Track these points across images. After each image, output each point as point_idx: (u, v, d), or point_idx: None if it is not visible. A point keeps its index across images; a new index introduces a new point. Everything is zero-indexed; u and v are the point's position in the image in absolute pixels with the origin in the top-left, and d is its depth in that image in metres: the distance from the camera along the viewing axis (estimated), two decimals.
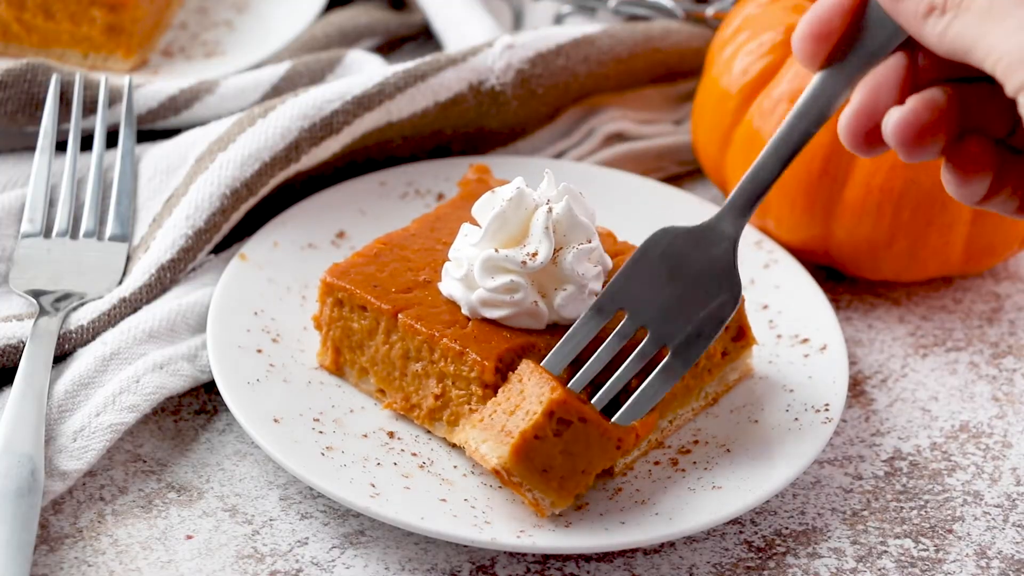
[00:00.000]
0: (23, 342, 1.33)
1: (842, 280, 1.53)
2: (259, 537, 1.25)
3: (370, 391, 1.34)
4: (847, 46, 1.12)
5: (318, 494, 1.28)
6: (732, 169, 1.51)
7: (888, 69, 1.09)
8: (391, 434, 1.31)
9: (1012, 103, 1.05)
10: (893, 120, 1.06)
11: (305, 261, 1.44)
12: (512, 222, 1.29)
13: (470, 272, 1.29)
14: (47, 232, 1.44)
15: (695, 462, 1.29)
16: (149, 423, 1.34)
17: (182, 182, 1.47)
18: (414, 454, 1.29)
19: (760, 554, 1.26)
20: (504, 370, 1.27)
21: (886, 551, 1.27)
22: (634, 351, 1.23)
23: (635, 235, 1.44)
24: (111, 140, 1.54)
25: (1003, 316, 1.50)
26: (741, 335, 1.35)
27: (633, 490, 1.27)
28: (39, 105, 1.52)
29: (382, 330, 1.32)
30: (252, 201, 1.46)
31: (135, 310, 1.38)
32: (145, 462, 1.31)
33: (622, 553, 1.25)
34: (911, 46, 1.10)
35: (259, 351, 1.35)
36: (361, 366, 1.34)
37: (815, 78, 1.13)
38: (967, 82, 1.08)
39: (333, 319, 1.34)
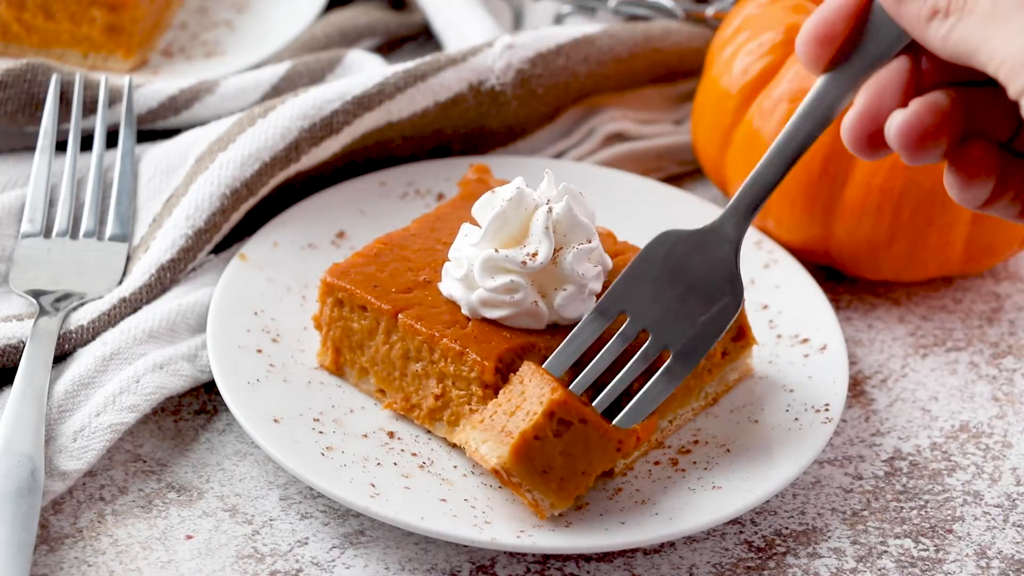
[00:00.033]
0: (23, 342, 1.33)
1: (842, 280, 1.53)
2: (259, 537, 1.25)
3: (370, 391, 1.34)
4: (851, 50, 1.12)
5: (318, 494, 1.28)
6: (732, 169, 1.51)
7: (891, 72, 1.09)
8: (391, 434, 1.31)
9: (1015, 107, 1.05)
10: (896, 123, 1.06)
11: (305, 261, 1.44)
12: (512, 222, 1.29)
13: (470, 272, 1.29)
14: (47, 232, 1.44)
15: (695, 462, 1.29)
16: (149, 423, 1.34)
17: (182, 182, 1.47)
18: (414, 454, 1.29)
19: (760, 554, 1.26)
20: (504, 370, 1.27)
21: (886, 551, 1.27)
22: (636, 354, 1.23)
23: (635, 235, 1.44)
24: (111, 140, 1.54)
25: (1003, 316, 1.50)
26: (741, 335, 1.35)
27: (633, 490, 1.27)
28: (39, 105, 1.52)
29: (382, 330, 1.32)
30: (252, 201, 1.46)
31: (135, 310, 1.38)
32: (145, 462, 1.31)
33: (622, 553, 1.25)
34: (915, 50, 1.10)
35: (259, 351, 1.35)
36: (361, 366, 1.34)
37: (818, 81, 1.14)
38: (971, 86, 1.08)
39: (333, 319, 1.34)
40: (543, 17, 1.80)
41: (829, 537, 1.28)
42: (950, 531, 1.29)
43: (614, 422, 1.22)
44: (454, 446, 1.30)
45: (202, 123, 1.56)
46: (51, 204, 1.47)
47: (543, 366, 1.24)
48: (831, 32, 1.11)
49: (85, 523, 1.25)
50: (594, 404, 1.23)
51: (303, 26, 1.71)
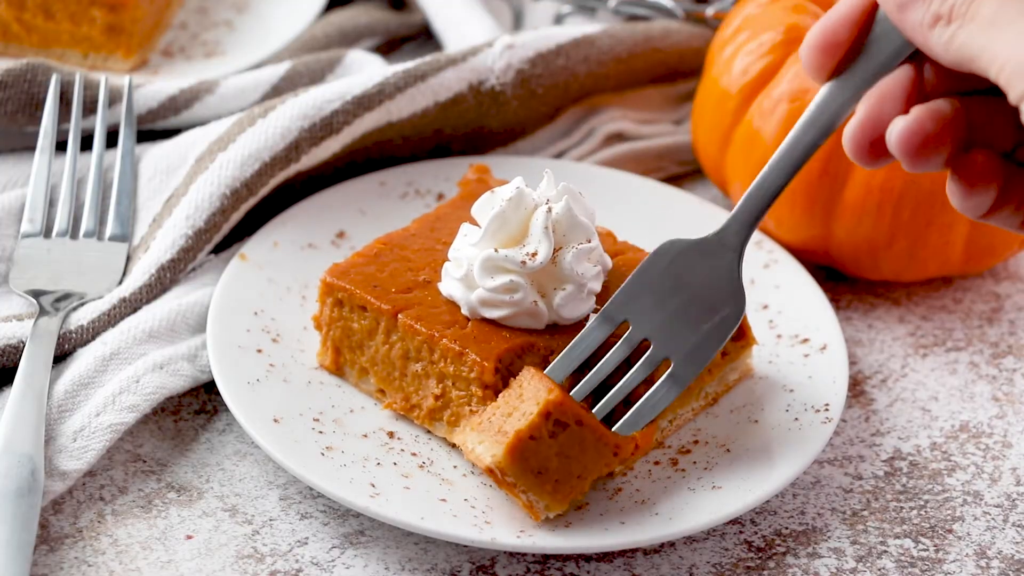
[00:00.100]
0: (23, 342, 1.33)
1: (842, 280, 1.53)
2: (259, 537, 1.25)
3: (370, 391, 1.34)
4: (854, 59, 1.12)
5: (318, 494, 1.28)
6: (732, 169, 1.51)
7: (894, 81, 1.10)
8: (391, 434, 1.31)
9: (1018, 117, 1.05)
10: (897, 129, 1.06)
11: (305, 261, 1.44)
12: (512, 222, 1.29)
13: (470, 272, 1.29)
14: (47, 232, 1.44)
15: (695, 462, 1.29)
16: (149, 423, 1.34)
17: (182, 182, 1.47)
18: (414, 454, 1.29)
19: (760, 554, 1.26)
20: (504, 370, 1.27)
21: (886, 551, 1.27)
22: (637, 362, 1.23)
23: (635, 235, 1.44)
24: (111, 140, 1.54)
25: (1003, 316, 1.50)
26: (741, 335, 1.35)
27: (633, 490, 1.27)
28: (39, 105, 1.52)
29: (382, 330, 1.32)
30: (252, 201, 1.46)
31: (135, 310, 1.38)
32: (145, 462, 1.31)
33: (622, 553, 1.25)
34: (918, 59, 1.10)
35: (259, 351, 1.35)
36: (361, 366, 1.34)
37: (822, 90, 1.14)
38: (974, 96, 1.08)
39: (333, 319, 1.34)
40: (543, 17, 1.80)
41: (829, 537, 1.28)
42: (950, 531, 1.29)
43: (613, 429, 1.22)
44: (454, 446, 1.30)
45: (202, 123, 1.56)
46: (51, 204, 1.47)
47: (544, 372, 1.24)
48: (835, 41, 1.12)
49: (85, 523, 1.25)
50: (593, 411, 1.23)
51: (303, 26, 1.71)
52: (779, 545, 1.27)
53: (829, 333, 1.39)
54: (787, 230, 1.48)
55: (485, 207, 1.31)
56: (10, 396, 1.27)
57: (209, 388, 1.37)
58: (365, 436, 1.30)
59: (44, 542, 1.23)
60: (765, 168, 1.18)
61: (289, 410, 1.30)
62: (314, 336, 1.38)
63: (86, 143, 1.53)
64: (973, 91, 1.09)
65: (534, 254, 1.28)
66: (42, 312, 1.35)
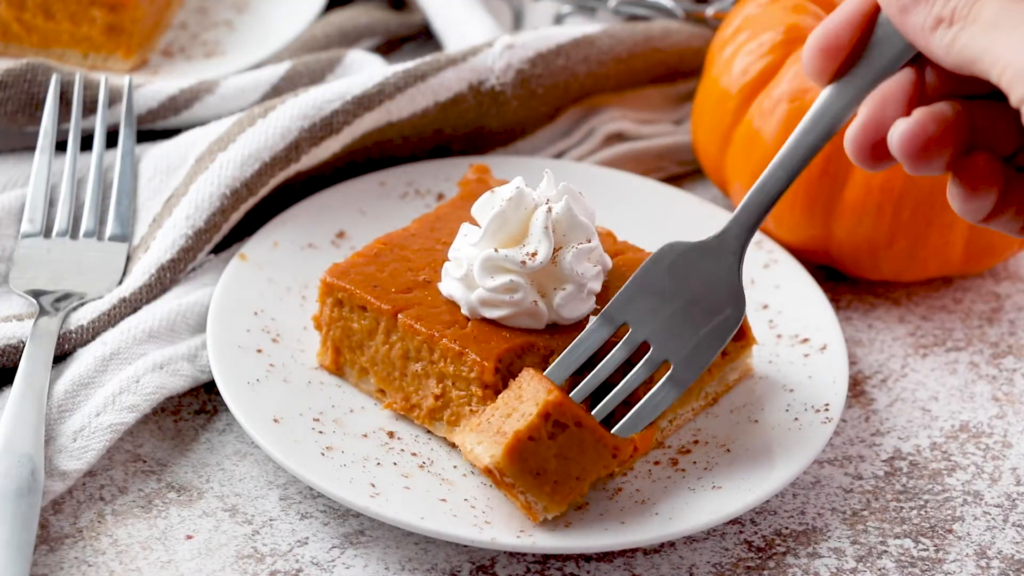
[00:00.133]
0: (23, 342, 1.33)
1: (842, 280, 1.53)
2: (259, 537, 1.25)
3: (370, 391, 1.34)
4: (855, 62, 1.12)
5: (318, 494, 1.28)
6: (732, 169, 1.51)
7: (895, 84, 1.10)
8: (391, 434, 1.31)
9: (1019, 122, 1.05)
10: (899, 131, 1.06)
11: (305, 261, 1.44)
12: (512, 222, 1.29)
13: (470, 272, 1.29)
14: (47, 232, 1.44)
15: (695, 462, 1.29)
16: (149, 423, 1.34)
17: (182, 182, 1.47)
18: (414, 454, 1.29)
19: (760, 554, 1.26)
20: (504, 370, 1.27)
21: (886, 551, 1.27)
22: (636, 365, 1.23)
23: (635, 235, 1.44)
24: (111, 140, 1.54)
25: (1003, 316, 1.50)
26: (741, 335, 1.35)
27: (633, 490, 1.27)
28: (39, 105, 1.52)
29: (382, 330, 1.32)
30: (252, 201, 1.46)
31: (135, 310, 1.38)
32: (145, 462, 1.31)
33: (622, 553, 1.25)
34: (919, 63, 1.10)
35: (259, 351, 1.35)
36: (361, 366, 1.34)
37: (823, 93, 1.14)
38: (975, 100, 1.08)
39: (333, 319, 1.34)
40: (543, 17, 1.80)
41: (829, 537, 1.28)
42: (950, 531, 1.29)
43: (612, 431, 1.22)
44: (454, 446, 1.30)
45: (202, 123, 1.56)
46: (51, 204, 1.47)
47: (544, 374, 1.24)
48: (836, 44, 1.12)
49: (85, 523, 1.25)
50: (593, 412, 1.23)
51: (303, 26, 1.71)
52: (779, 545, 1.27)
53: (829, 333, 1.39)
54: (787, 230, 1.48)
55: (485, 207, 1.31)
56: (10, 396, 1.27)
57: (209, 388, 1.37)
58: (365, 436, 1.30)
59: (44, 542, 1.23)
60: (766, 171, 1.18)
61: (289, 410, 1.30)
62: (314, 336, 1.38)
63: (86, 143, 1.53)
64: (975, 95, 1.09)
65: (534, 254, 1.28)
66: (42, 312, 1.35)
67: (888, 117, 1.09)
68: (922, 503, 1.31)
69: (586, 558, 1.25)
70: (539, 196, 1.31)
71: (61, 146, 1.52)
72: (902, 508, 1.31)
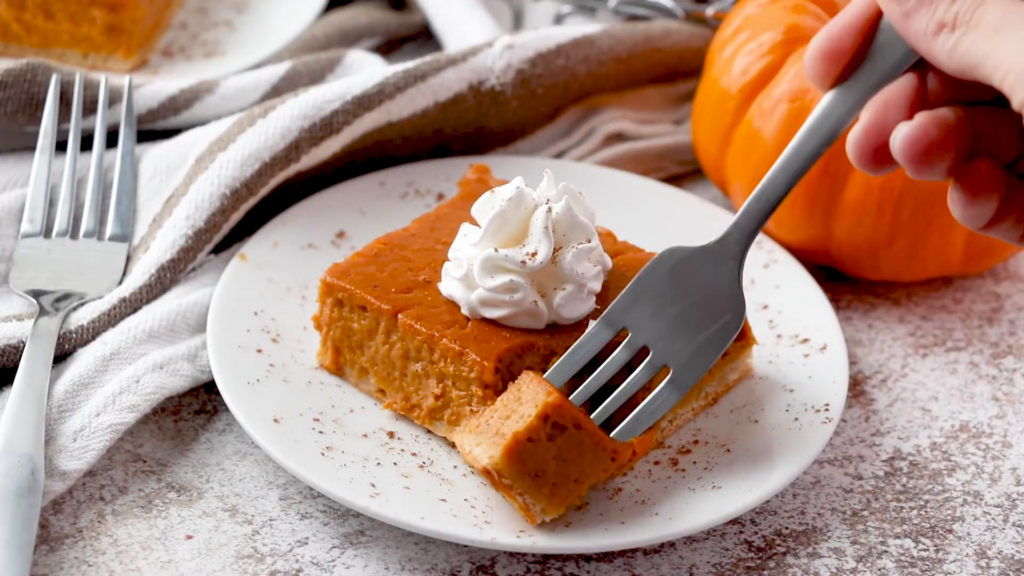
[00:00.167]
0: (23, 342, 1.33)
1: (842, 280, 1.53)
2: (259, 537, 1.25)
3: (370, 391, 1.34)
4: (858, 67, 1.12)
5: (318, 494, 1.28)
6: (732, 169, 1.51)
7: (898, 89, 1.10)
8: (391, 434, 1.31)
9: (1021, 129, 1.06)
10: (901, 135, 1.06)
11: (305, 261, 1.44)
12: (512, 222, 1.29)
13: (470, 272, 1.29)
14: (47, 232, 1.44)
15: (695, 462, 1.29)
16: (149, 423, 1.34)
17: (182, 182, 1.47)
18: (414, 454, 1.29)
19: (760, 554, 1.26)
20: (504, 370, 1.27)
21: (886, 551, 1.27)
22: (636, 369, 1.23)
23: (635, 235, 1.44)
24: (111, 140, 1.54)
25: (1003, 316, 1.50)
26: (741, 335, 1.35)
27: (633, 490, 1.27)
28: (39, 105, 1.52)
29: (382, 330, 1.32)
30: (252, 201, 1.46)
31: (135, 310, 1.38)
32: (145, 462, 1.31)
33: (622, 553, 1.25)
34: (921, 69, 1.10)
35: (259, 351, 1.35)
36: (361, 366, 1.34)
37: (825, 97, 1.14)
38: (978, 106, 1.08)
39: (333, 319, 1.34)
40: (543, 17, 1.80)
41: (829, 537, 1.28)
42: (950, 531, 1.29)
43: (611, 434, 1.22)
44: (454, 446, 1.30)
45: (202, 123, 1.56)
46: (51, 204, 1.47)
47: (544, 376, 1.24)
48: (839, 49, 1.12)
49: (85, 523, 1.25)
50: (592, 416, 1.23)
51: (303, 26, 1.71)
52: (779, 545, 1.27)
53: (829, 333, 1.39)
54: (787, 230, 1.48)
55: (485, 207, 1.31)
56: (10, 396, 1.27)
57: (209, 388, 1.37)
58: (365, 436, 1.30)
59: (44, 542, 1.23)
60: (767, 176, 1.18)
61: (289, 410, 1.30)
62: (314, 336, 1.38)
63: (86, 143, 1.53)
64: (977, 101, 1.09)
65: (534, 254, 1.28)
66: (42, 312, 1.35)
67: (890, 121, 1.09)
68: (922, 503, 1.31)
69: (586, 558, 1.25)
70: (539, 196, 1.31)
71: (61, 146, 1.52)
72: (902, 508, 1.31)
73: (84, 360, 1.33)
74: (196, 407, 1.36)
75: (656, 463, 1.29)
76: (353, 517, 1.27)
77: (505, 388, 1.26)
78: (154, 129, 1.57)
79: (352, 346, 1.34)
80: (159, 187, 1.48)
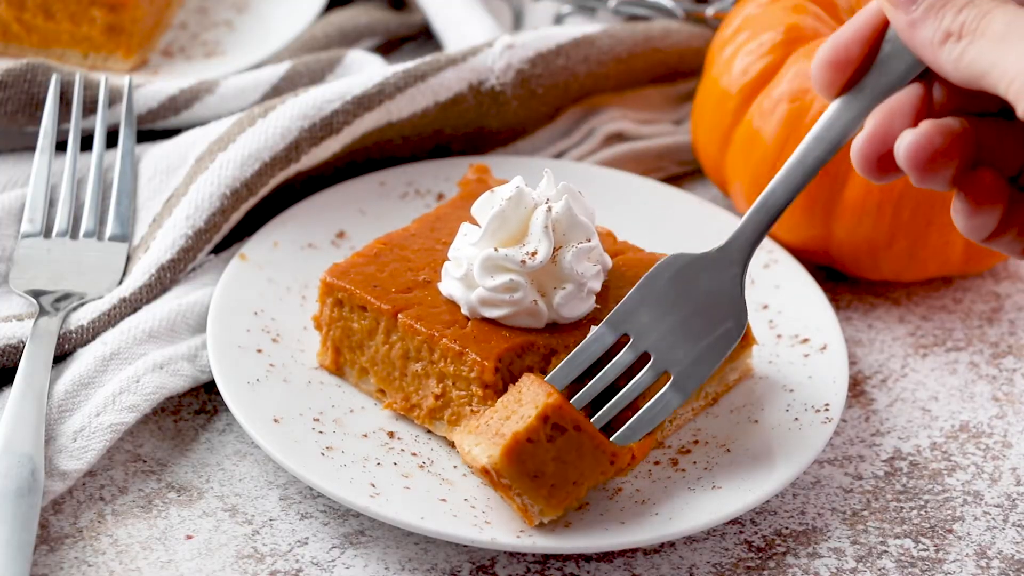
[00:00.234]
0: (23, 342, 1.33)
1: (842, 280, 1.53)
2: (259, 537, 1.25)
3: (370, 391, 1.34)
4: (864, 76, 1.12)
5: (318, 494, 1.28)
6: (732, 169, 1.51)
7: (904, 97, 1.10)
8: (391, 434, 1.31)
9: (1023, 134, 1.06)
10: (906, 142, 1.06)
11: (305, 261, 1.44)
12: (511, 221, 1.29)
13: (470, 271, 1.29)
14: (47, 232, 1.44)
15: (695, 462, 1.29)
16: (149, 423, 1.34)
17: (182, 182, 1.47)
18: (414, 454, 1.29)
19: (760, 554, 1.26)
20: (504, 370, 1.27)
21: (886, 551, 1.27)
22: (637, 374, 1.23)
23: (635, 235, 1.44)
24: (111, 140, 1.54)
25: (1003, 316, 1.50)
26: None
27: (633, 490, 1.27)
28: (39, 105, 1.52)
29: (382, 330, 1.32)
30: (252, 201, 1.46)
31: (135, 310, 1.38)
32: (145, 462, 1.31)
33: (622, 553, 1.25)
34: (927, 79, 1.11)
35: (259, 351, 1.35)
36: (361, 366, 1.34)
37: (831, 106, 1.14)
38: (983, 117, 1.08)
39: (333, 319, 1.34)
40: (543, 17, 1.80)
41: (829, 537, 1.28)
42: (950, 531, 1.29)
43: (611, 438, 1.22)
44: (454, 446, 1.30)
45: (202, 123, 1.56)
46: (51, 204, 1.47)
47: (546, 379, 1.24)
48: (845, 58, 1.12)
49: (85, 523, 1.25)
50: (592, 419, 1.23)
51: (303, 26, 1.71)
52: (779, 545, 1.27)
53: (829, 333, 1.39)
54: (787, 230, 1.48)
55: (485, 206, 1.31)
56: (10, 396, 1.27)
57: (209, 388, 1.37)
58: (365, 436, 1.30)
59: (44, 542, 1.23)
60: (771, 183, 1.19)
61: (289, 410, 1.30)
62: (314, 336, 1.38)
63: (86, 143, 1.53)
64: (983, 113, 1.09)
65: (534, 253, 1.28)
66: (42, 312, 1.35)
67: (895, 129, 1.09)
68: (922, 503, 1.31)
69: (586, 558, 1.25)
70: (539, 195, 1.31)
71: (61, 146, 1.52)
72: (902, 508, 1.31)
73: (84, 360, 1.33)
74: (196, 407, 1.36)
75: (656, 463, 1.29)
76: (353, 517, 1.27)
77: (505, 388, 1.26)
78: (154, 129, 1.57)
79: (352, 346, 1.34)
80: (159, 187, 1.48)
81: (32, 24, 1.63)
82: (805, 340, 1.39)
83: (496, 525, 1.22)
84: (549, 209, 1.29)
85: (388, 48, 1.76)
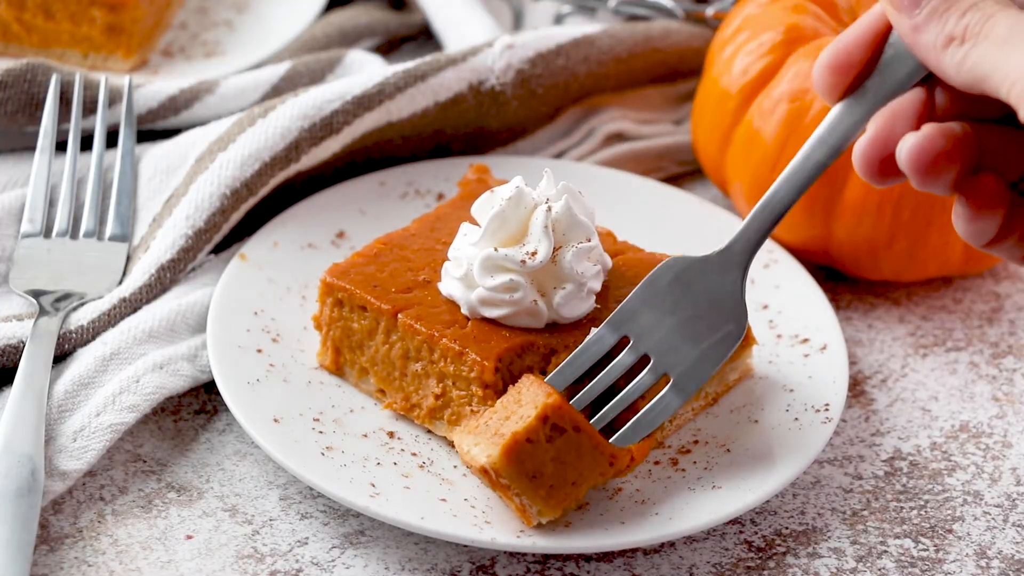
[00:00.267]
0: (23, 342, 1.33)
1: (842, 280, 1.53)
2: (259, 537, 1.25)
3: (370, 391, 1.34)
4: (866, 80, 1.12)
5: (318, 494, 1.28)
6: (732, 169, 1.51)
7: (906, 101, 1.10)
8: (391, 434, 1.31)
9: None
10: (908, 145, 1.06)
11: (305, 261, 1.44)
12: (511, 221, 1.29)
13: (469, 271, 1.29)
14: (47, 232, 1.44)
15: (695, 462, 1.29)
16: (149, 423, 1.34)
17: (182, 182, 1.47)
18: (414, 454, 1.29)
19: (760, 554, 1.26)
20: (504, 370, 1.27)
21: (886, 551, 1.27)
22: (636, 377, 1.23)
23: (635, 235, 1.44)
24: (111, 140, 1.54)
25: (1003, 316, 1.50)
26: None
27: (633, 490, 1.27)
28: (39, 105, 1.52)
29: (382, 330, 1.32)
30: (252, 201, 1.46)
31: (135, 310, 1.38)
32: (145, 462, 1.31)
33: (622, 553, 1.25)
34: (930, 84, 1.11)
35: (259, 351, 1.35)
36: (361, 366, 1.34)
37: (833, 110, 1.14)
38: (985, 123, 1.08)
39: (333, 319, 1.34)
40: (543, 17, 1.80)
41: (829, 537, 1.28)
42: (950, 531, 1.29)
43: (610, 440, 1.22)
44: (454, 446, 1.30)
45: (202, 123, 1.56)
46: (51, 204, 1.47)
47: (546, 380, 1.24)
48: (847, 62, 1.12)
49: (85, 523, 1.25)
50: (592, 421, 1.23)
51: (303, 26, 1.71)
52: (779, 545, 1.27)
53: (829, 333, 1.39)
54: (787, 230, 1.48)
55: (485, 206, 1.31)
56: (10, 396, 1.27)
57: (209, 388, 1.37)
58: (365, 436, 1.30)
59: (44, 542, 1.23)
60: (772, 186, 1.19)
61: (289, 410, 1.30)
62: (314, 336, 1.38)
63: (86, 143, 1.53)
64: (985, 119, 1.09)
65: (534, 253, 1.28)
66: (42, 312, 1.35)
67: (897, 133, 1.09)
68: (922, 503, 1.31)
69: (586, 558, 1.25)
70: (539, 195, 1.31)
71: (61, 146, 1.52)
72: (902, 508, 1.31)
73: (84, 360, 1.33)
74: (196, 407, 1.36)
75: (656, 463, 1.29)
76: (353, 517, 1.27)
77: (505, 388, 1.26)
78: (154, 129, 1.57)
79: (352, 346, 1.34)
80: (159, 187, 1.48)
81: (32, 24, 1.63)
82: (805, 340, 1.39)
83: (496, 525, 1.22)
84: (549, 209, 1.29)
85: (388, 48, 1.76)
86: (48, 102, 1.50)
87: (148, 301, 1.39)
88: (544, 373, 1.28)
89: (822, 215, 1.46)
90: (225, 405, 1.35)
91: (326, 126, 1.48)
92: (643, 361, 1.24)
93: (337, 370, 1.36)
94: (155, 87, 1.56)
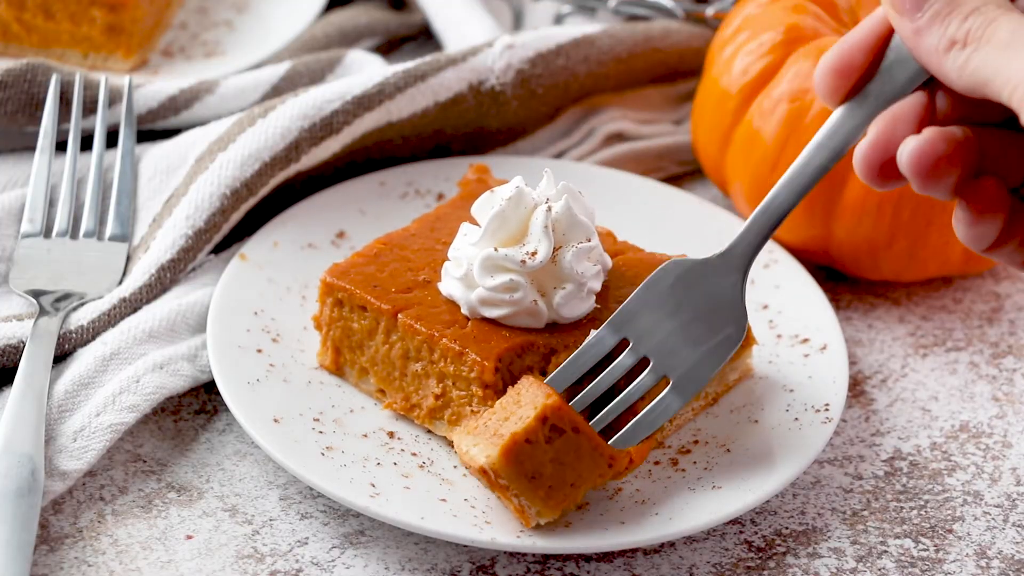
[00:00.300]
0: (23, 342, 1.33)
1: (842, 280, 1.53)
2: (259, 537, 1.25)
3: (370, 391, 1.34)
4: (868, 83, 1.12)
5: (318, 494, 1.28)
6: (732, 169, 1.51)
7: (907, 105, 1.10)
8: (391, 434, 1.31)
9: None
10: (909, 149, 1.06)
11: (305, 261, 1.44)
12: (511, 221, 1.29)
13: (469, 271, 1.29)
14: (47, 232, 1.44)
15: (695, 462, 1.29)
16: (149, 423, 1.34)
17: (182, 182, 1.47)
18: (414, 454, 1.29)
19: (760, 554, 1.26)
20: (504, 370, 1.27)
21: (886, 551, 1.27)
22: (636, 379, 1.23)
23: (635, 235, 1.44)
24: (111, 140, 1.54)
25: (1003, 316, 1.50)
26: None
27: (633, 490, 1.27)
28: (39, 105, 1.52)
29: (382, 330, 1.32)
30: (252, 201, 1.46)
31: (135, 310, 1.38)
32: (145, 462, 1.31)
33: (622, 553, 1.25)
34: (931, 88, 1.11)
35: (259, 351, 1.35)
36: (361, 366, 1.34)
37: (834, 113, 1.14)
38: (986, 127, 1.08)
39: (333, 319, 1.34)
40: (543, 17, 1.80)
41: (829, 537, 1.28)
42: (950, 531, 1.29)
43: (610, 442, 1.22)
44: (454, 446, 1.30)
45: (202, 123, 1.56)
46: (51, 204, 1.47)
47: (545, 381, 1.24)
48: (849, 65, 1.12)
49: (85, 523, 1.25)
50: (591, 423, 1.23)
51: (303, 26, 1.71)
52: (779, 545, 1.27)
53: (829, 333, 1.39)
54: (787, 230, 1.48)
55: (485, 206, 1.31)
56: (10, 396, 1.27)
57: (209, 388, 1.37)
58: (365, 436, 1.30)
59: (44, 542, 1.23)
60: (774, 189, 1.19)
61: (289, 410, 1.30)
62: (314, 336, 1.38)
63: (86, 143, 1.53)
64: (986, 123, 1.09)
65: (534, 253, 1.28)
66: (42, 312, 1.35)
67: (898, 136, 1.09)
68: (922, 503, 1.31)
69: (586, 558, 1.25)
70: (539, 195, 1.31)
71: (61, 146, 1.52)
72: (902, 508, 1.31)
73: (84, 360, 1.33)
74: (196, 407, 1.36)
75: (656, 463, 1.29)
76: (353, 517, 1.27)
77: (505, 388, 1.26)
78: (154, 129, 1.57)
79: (352, 346, 1.34)
80: (159, 187, 1.48)
81: (32, 24, 1.63)
82: (805, 340, 1.39)
83: (496, 525, 1.22)
84: (549, 209, 1.29)
85: (388, 48, 1.76)
86: (48, 102, 1.50)
87: (148, 301, 1.39)
88: (544, 373, 1.28)
89: (822, 215, 1.46)
90: (225, 405, 1.35)
91: (326, 126, 1.48)
92: (643, 363, 1.24)
93: (337, 370, 1.36)
94: (155, 87, 1.56)
